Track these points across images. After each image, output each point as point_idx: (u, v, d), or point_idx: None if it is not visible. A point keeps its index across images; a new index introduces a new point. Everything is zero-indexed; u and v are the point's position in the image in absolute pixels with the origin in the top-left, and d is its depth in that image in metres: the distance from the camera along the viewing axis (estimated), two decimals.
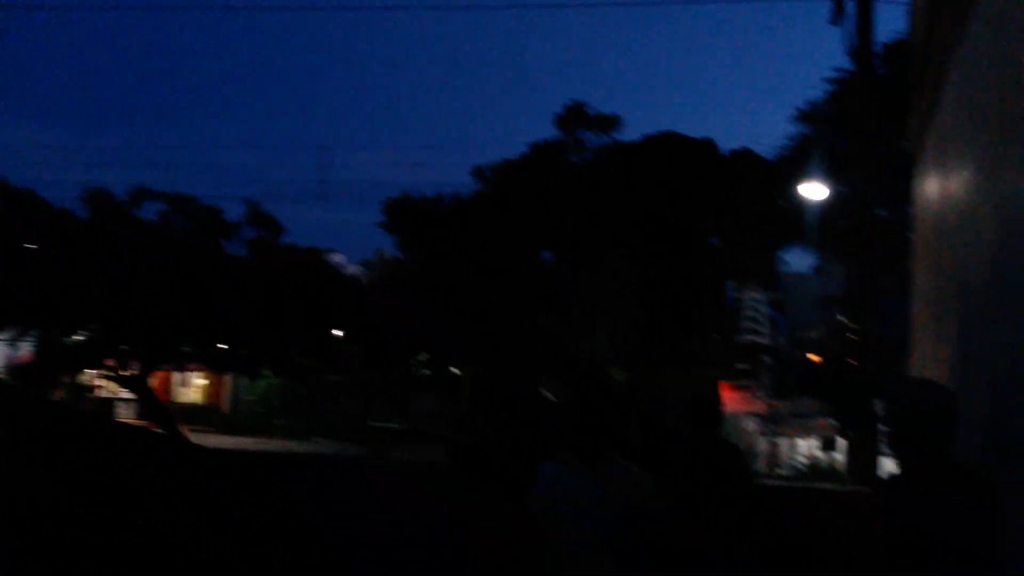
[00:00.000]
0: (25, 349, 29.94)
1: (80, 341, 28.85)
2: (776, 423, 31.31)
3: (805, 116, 19.16)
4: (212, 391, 39.38)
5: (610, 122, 25.20)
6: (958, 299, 4.08)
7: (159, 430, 26.46)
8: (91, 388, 34.65)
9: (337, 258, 43.06)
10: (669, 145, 24.14)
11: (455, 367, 29.34)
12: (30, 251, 26.13)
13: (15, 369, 29.37)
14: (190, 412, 37.36)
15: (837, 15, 10.02)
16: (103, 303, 26.51)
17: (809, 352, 32.32)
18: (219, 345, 29.97)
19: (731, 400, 30.07)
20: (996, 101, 3.11)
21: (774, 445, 30.53)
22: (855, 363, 13.47)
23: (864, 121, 10.57)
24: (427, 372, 31.27)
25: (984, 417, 3.09)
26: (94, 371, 30.44)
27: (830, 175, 16.59)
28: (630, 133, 29.13)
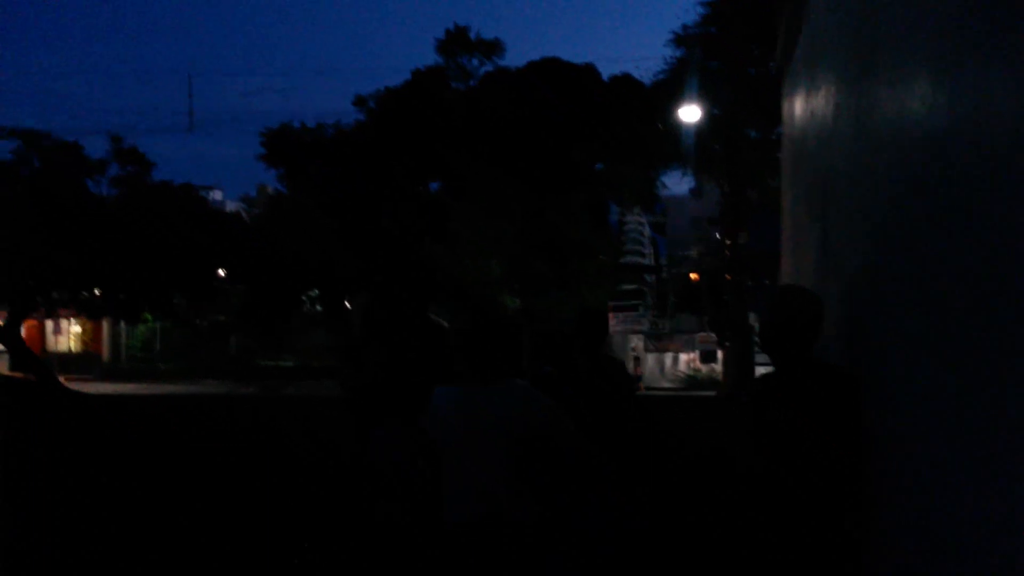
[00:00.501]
0: None
1: None
2: (659, 339, 32.81)
3: (681, 40, 19.49)
4: (89, 338, 37.55)
5: (493, 47, 24.89)
6: (821, 210, 4.38)
7: (35, 380, 25.17)
8: None
9: (216, 194, 41.30)
10: (551, 71, 24.13)
11: (344, 300, 29.03)
12: None
13: None
14: (67, 360, 35.60)
15: None
16: None
17: (689, 271, 33.78)
18: (93, 290, 28.49)
19: (617, 319, 31.21)
20: (854, 14, 3.29)
21: (659, 360, 32.02)
22: (730, 277, 14.21)
23: (734, 43, 10.89)
24: (317, 307, 30.81)
25: (843, 318, 3.36)
26: None
27: (704, 98, 17.06)
28: (514, 59, 28.90)
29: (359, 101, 25.97)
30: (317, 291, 29.43)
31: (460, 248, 22.97)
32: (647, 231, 36.57)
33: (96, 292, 28.51)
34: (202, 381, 30.94)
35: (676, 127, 19.50)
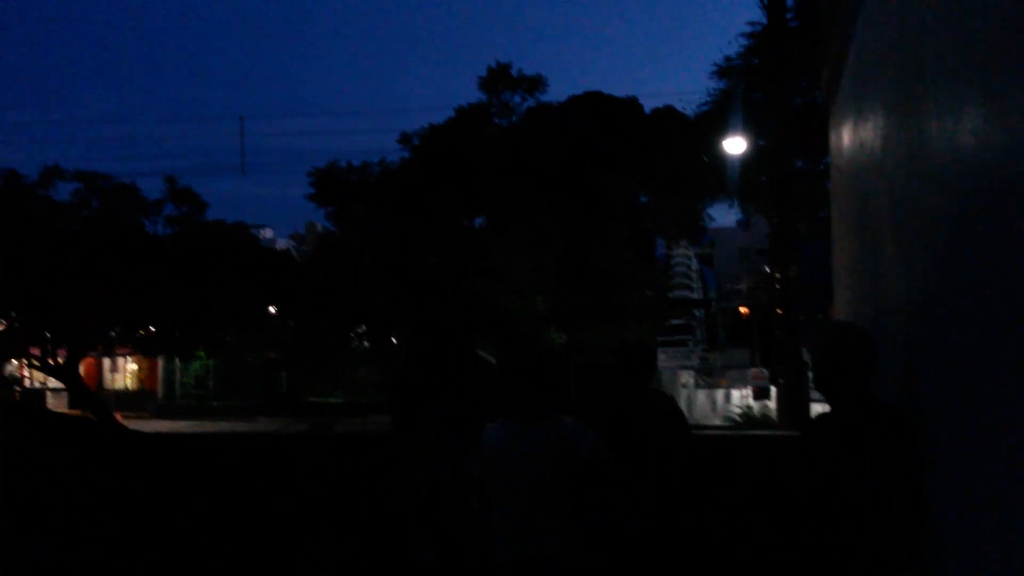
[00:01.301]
0: None
1: (1, 331, 27.77)
2: (710, 375, 32.25)
3: (723, 72, 19.44)
4: (145, 375, 38.41)
5: (535, 83, 25.17)
6: (872, 242, 4.28)
7: (93, 418, 25.77)
8: (19, 379, 33.47)
9: (267, 233, 42.21)
10: (593, 104, 24.27)
11: (392, 337, 29.25)
12: None
13: None
14: (123, 397, 36.43)
15: None
16: (23, 290, 25.53)
17: (738, 304, 33.30)
18: (149, 327, 29.21)
19: (666, 354, 30.84)
20: (899, 46, 3.24)
21: (710, 396, 31.44)
22: (781, 311, 13.93)
23: (779, 74, 10.81)
24: (365, 344, 31.10)
25: (901, 356, 3.26)
26: (20, 361, 29.39)
27: (750, 129, 16.94)
28: (556, 94, 29.16)
29: (404, 139, 26.42)
30: (364, 327, 29.73)
31: (504, 283, 23.04)
32: (694, 264, 36.21)
33: (151, 330, 29.21)
34: (254, 418, 31.34)
35: (721, 159, 19.38)
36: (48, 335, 27.59)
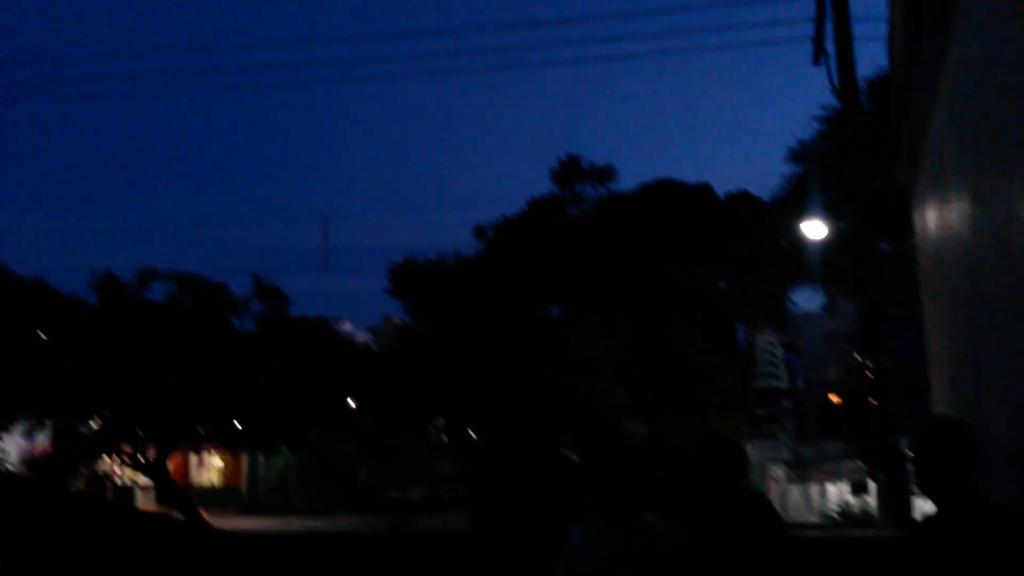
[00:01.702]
0: (42, 440, 29.89)
1: (96, 428, 28.83)
2: (802, 468, 30.74)
3: (798, 156, 19.34)
4: (230, 471, 39.09)
5: (605, 173, 25.51)
6: (968, 330, 4.07)
7: (179, 516, 26.21)
8: (110, 476, 34.45)
9: (346, 326, 43.16)
10: (664, 191, 24.37)
11: (471, 430, 29.12)
12: (42, 340, 26.32)
13: (33, 461, 29.27)
14: (209, 494, 37.03)
15: (818, 56, 10.21)
16: (116, 388, 26.59)
17: (828, 393, 31.99)
18: (234, 423, 29.89)
19: (754, 447, 29.69)
20: (983, 129, 3.15)
21: (804, 492, 29.93)
22: (875, 402, 13.31)
23: (856, 157, 10.68)
24: (443, 437, 31.02)
25: (1012, 452, 3.05)
26: (111, 458, 30.31)
27: (829, 212, 16.67)
28: (627, 182, 29.40)
29: (478, 231, 26.96)
30: (442, 420, 29.73)
31: (581, 373, 22.82)
32: (779, 352, 35.15)
33: (236, 425, 29.88)
34: (334, 514, 31.35)
35: (801, 243, 19.05)
36: (139, 432, 28.49)
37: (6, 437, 27.31)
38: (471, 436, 29.24)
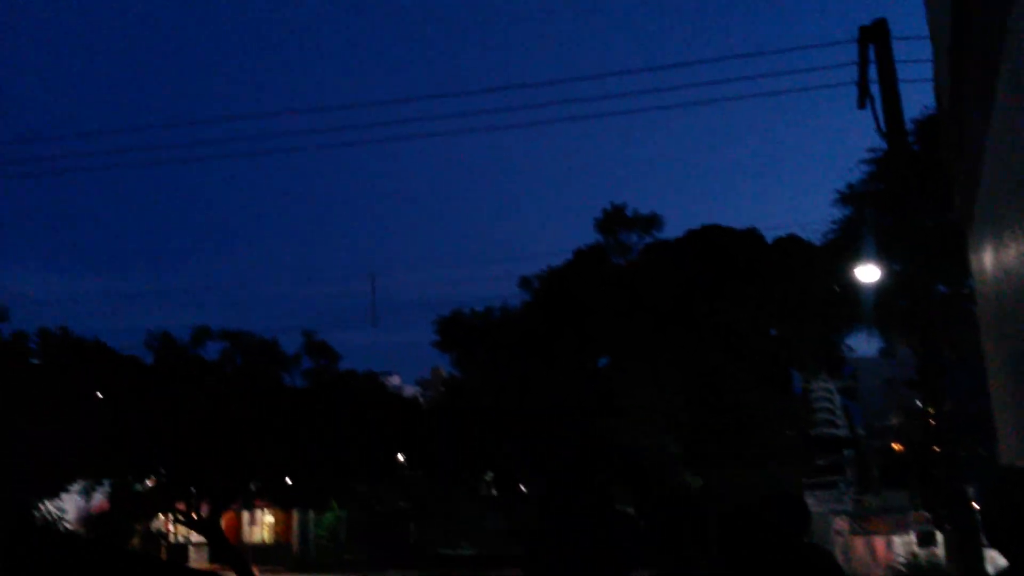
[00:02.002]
0: (98, 499, 30.38)
1: (151, 487, 29.23)
2: (867, 520, 29.57)
3: (847, 198, 19.06)
4: (281, 528, 39.15)
5: (650, 222, 25.41)
6: None
7: (232, 574, 26.26)
8: (164, 534, 34.75)
9: (394, 380, 43.38)
10: (711, 237, 24.14)
11: (522, 484, 28.78)
12: (100, 400, 26.94)
13: (90, 520, 29.72)
14: (260, 551, 37.08)
15: (863, 100, 10.12)
16: (171, 446, 26.99)
17: (890, 440, 30.89)
18: (285, 479, 30.04)
19: (814, 498, 28.72)
20: None
21: (868, 544, 28.76)
22: (938, 449, 12.80)
23: (906, 198, 10.47)
24: (492, 492, 30.70)
25: None
26: (166, 516, 30.65)
27: (881, 255, 16.33)
28: (674, 230, 29.22)
29: (524, 283, 26.98)
30: (492, 474, 29.45)
31: (632, 424, 22.44)
32: (837, 399, 34.13)
33: (287, 482, 30.00)
34: (385, 571, 31.10)
35: (854, 287, 18.66)
36: (193, 490, 28.78)
37: (65, 496, 27.81)
38: (522, 490, 28.88)
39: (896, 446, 29.83)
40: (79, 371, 26.62)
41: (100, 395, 27.02)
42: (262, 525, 39.69)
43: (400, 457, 30.19)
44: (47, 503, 26.12)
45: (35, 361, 27.39)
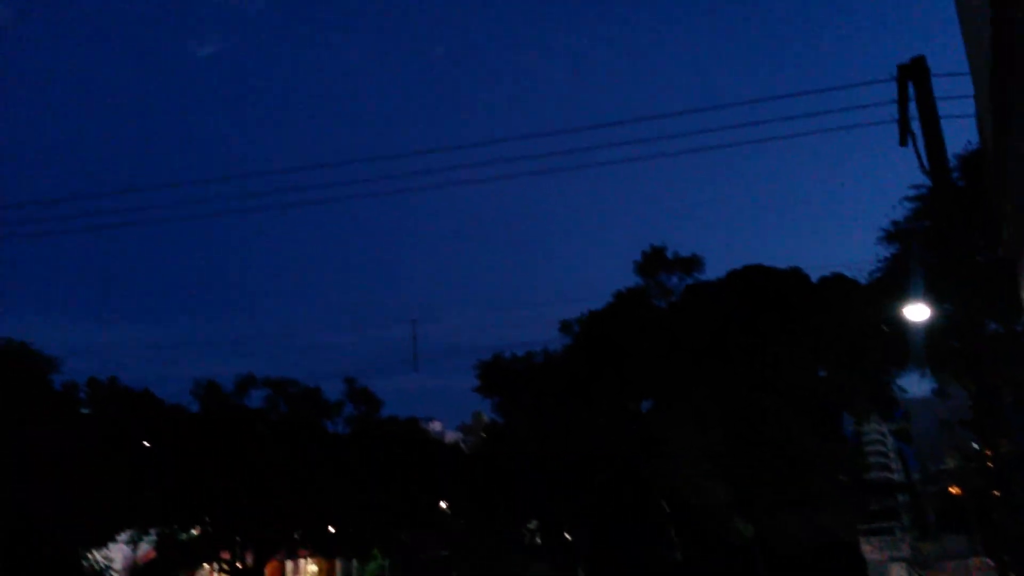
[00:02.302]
0: (144, 548, 30.56)
1: (196, 536, 29.34)
2: (925, 567, 28.40)
3: (892, 236, 18.65)
4: None
5: (691, 263, 25.12)
6: None
7: None
8: None
9: (436, 426, 43.26)
10: (754, 277, 23.75)
11: (567, 532, 28.25)
12: (147, 449, 27.24)
13: (136, 569, 29.87)
14: None
15: (904, 138, 9.90)
16: (216, 495, 27.11)
17: (946, 484, 29.80)
18: (328, 528, 29.92)
19: (870, 544, 27.67)
20: None
21: None
22: (998, 492, 12.25)
23: (953, 235, 10.17)
24: (537, 540, 30.16)
25: None
26: (211, 565, 30.69)
27: (931, 293, 15.88)
28: (714, 269, 28.85)
29: (565, 326, 26.79)
30: (536, 521, 28.98)
31: (679, 468, 21.90)
32: (890, 441, 33.02)
33: (330, 530, 29.87)
34: None
35: (904, 326, 18.14)
36: (238, 539, 28.80)
37: (112, 546, 28.03)
38: (567, 538, 28.33)
39: (953, 489, 28.75)
40: (127, 420, 27.00)
41: (147, 444, 27.33)
42: (306, 574, 39.49)
43: (443, 504, 29.92)
44: (95, 552, 26.31)
45: (85, 411, 27.85)
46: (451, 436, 39.55)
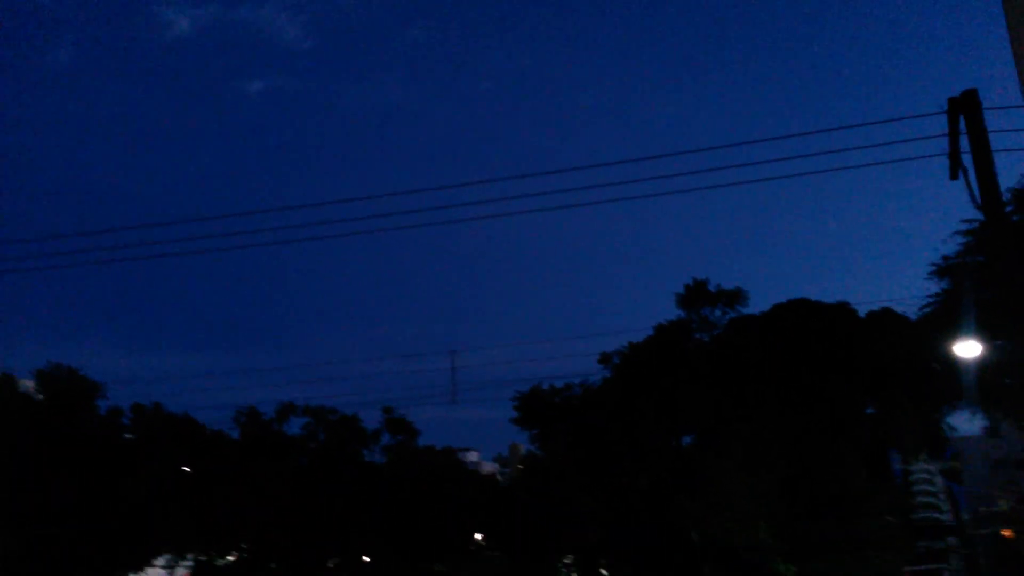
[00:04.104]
0: (180, 573, 30.74)
1: (232, 561, 29.45)
2: None
3: (942, 271, 18.21)
4: None
5: (734, 296, 24.75)
6: None
7: None
8: None
9: (472, 456, 43.02)
10: (801, 312, 23.30)
11: (605, 569, 27.78)
12: (187, 474, 27.52)
13: None
14: None
15: (956, 172, 9.68)
16: (253, 522, 27.23)
17: (999, 526, 28.75)
18: (363, 558, 29.82)
19: None
20: None
21: None
22: None
23: (1006, 270, 9.87)
24: (575, 575, 29.69)
25: None
26: None
27: (982, 329, 15.42)
28: (759, 302, 28.38)
29: (604, 359, 26.49)
30: (572, 556, 28.56)
31: (719, 507, 21.42)
32: (939, 481, 31.99)
33: (366, 559, 29.77)
34: None
35: (954, 363, 17.64)
36: (273, 566, 28.84)
37: (149, 571, 28.26)
38: (604, 574, 27.86)
39: (1005, 532, 27.71)
40: (169, 446, 27.33)
41: (187, 469, 27.61)
42: None
43: (478, 536, 29.66)
44: None
45: (128, 436, 28.27)
46: (488, 467, 39.32)
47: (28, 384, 26.75)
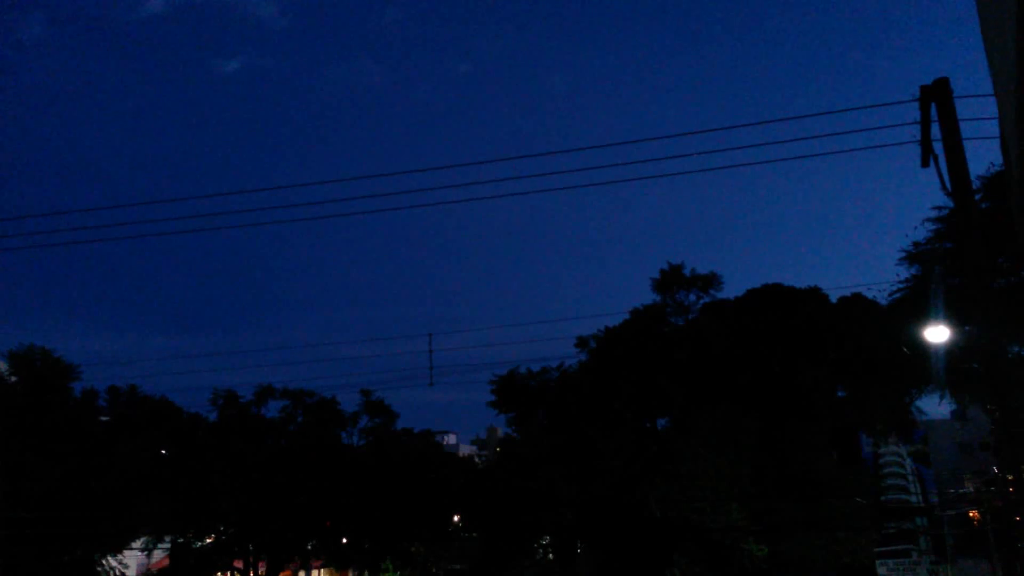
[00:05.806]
0: (158, 555, 30.68)
1: (210, 543, 29.45)
2: None
3: (912, 257, 18.56)
4: None
5: (709, 281, 25.07)
6: None
7: None
8: None
9: (451, 439, 43.21)
10: (772, 296, 23.66)
11: (580, 549, 28.10)
12: (164, 456, 27.43)
13: None
14: None
15: (927, 159, 9.89)
16: (233, 504, 27.22)
17: (965, 508, 29.42)
18: (341, 539, 29.93)
19: (887, 567, 27.35)
20: None
21: None
22: (1020, 518, 12.12)
23: (975, 256, 10.13)
24: (549, 555, 30.03)
25: None
26: (224, 574, 30.76)
27: (951, 315, 15.78)
28: (733, 288, 28.73)
29: (581, 342, 26.75)
30: (548, 538, 28.86)
31: (692, 488, 21.77)
32: (908, 463, 32.67)
33: (343, 541, 29.88)
34: None
35: (923, 347, 18.02)
36: (251, 548, 28.87)
37: (127, 553, 28.21)
38: (579, 554, 28.19)
39: (972, 513, 28.37)
40: (145, 428, 27.20)
41: (164, 452, 27.52)
42: None
43: (455, 518, 29.87)
44: (110, 558, 26.46)
45: (104, 418, 28.09)
46: (466, 449, 39.55)
47: (1, 366, 26.50)
